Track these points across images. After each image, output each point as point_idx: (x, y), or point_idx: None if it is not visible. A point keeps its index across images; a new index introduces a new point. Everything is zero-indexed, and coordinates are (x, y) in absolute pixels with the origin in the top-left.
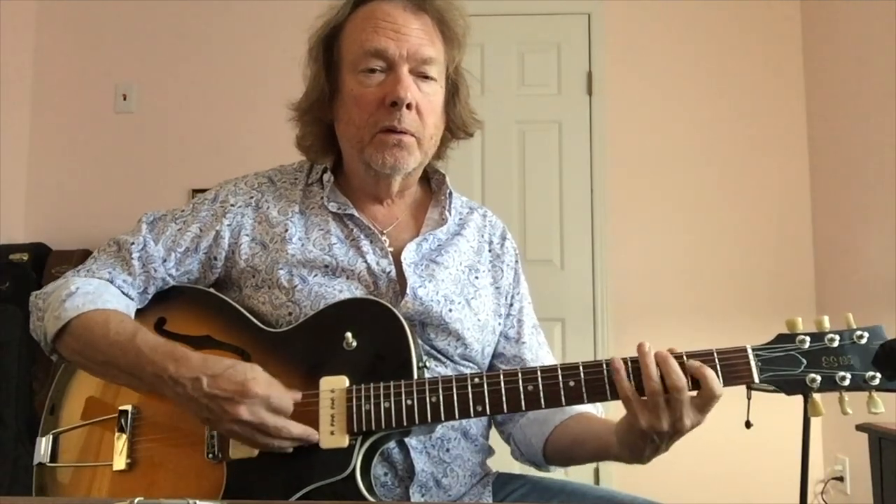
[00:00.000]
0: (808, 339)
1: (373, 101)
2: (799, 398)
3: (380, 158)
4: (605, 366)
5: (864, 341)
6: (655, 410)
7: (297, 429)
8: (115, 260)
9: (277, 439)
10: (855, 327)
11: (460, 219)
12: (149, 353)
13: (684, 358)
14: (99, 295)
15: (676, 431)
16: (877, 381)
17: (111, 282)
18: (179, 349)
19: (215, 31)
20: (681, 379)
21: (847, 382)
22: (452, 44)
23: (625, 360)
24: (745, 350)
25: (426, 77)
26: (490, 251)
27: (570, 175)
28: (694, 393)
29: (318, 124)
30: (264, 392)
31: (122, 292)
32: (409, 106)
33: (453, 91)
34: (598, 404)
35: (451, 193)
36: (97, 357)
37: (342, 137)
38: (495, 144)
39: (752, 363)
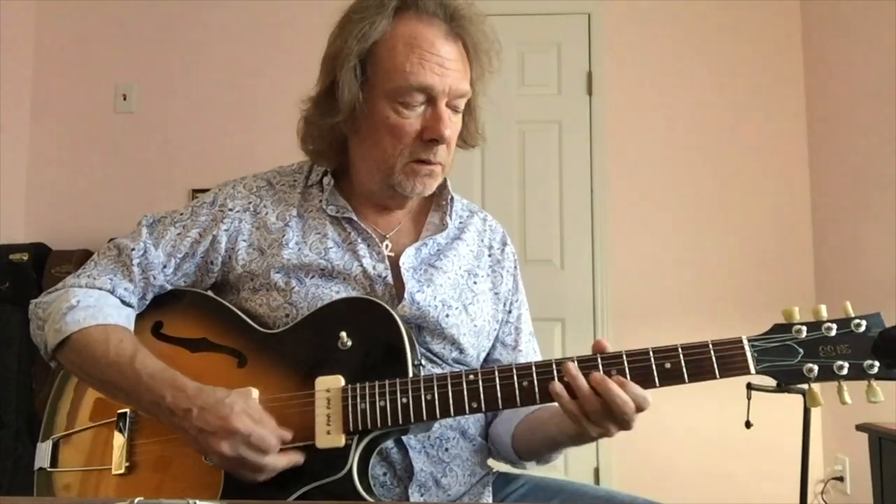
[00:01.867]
0: (804, 328)
1: (410, 132)
2: (798, 397)
3: (409, 185)
4: (599, 359)
5: (861, 330)
6: (602, 423)
7: (281, 462)
8: (115, 265)
9: (260, 474)
10: (853, 316)
11: (460, 222)
12: (147, 380)
13: (613, 372)
14: (99, 309)
15: (627, 427)
16: (875, 370)
17: (112, 291)
18: (179, 378)
19: (215, 31)
20: (627, 404)
21: (845, 372)
22: (482, 76)
23: (618, 358)
24: (740, 341)
25: (457, 110)
26: (490, 256)
27: (570, 175)
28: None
29: (332, 131)
30: (245, 429)
31: (123, 301)
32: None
33: (468, 112)
34: None
35: (452, 198)
36: (96, 374)
37: (361, 155)
38: (495, 144)
39: (748, 354)
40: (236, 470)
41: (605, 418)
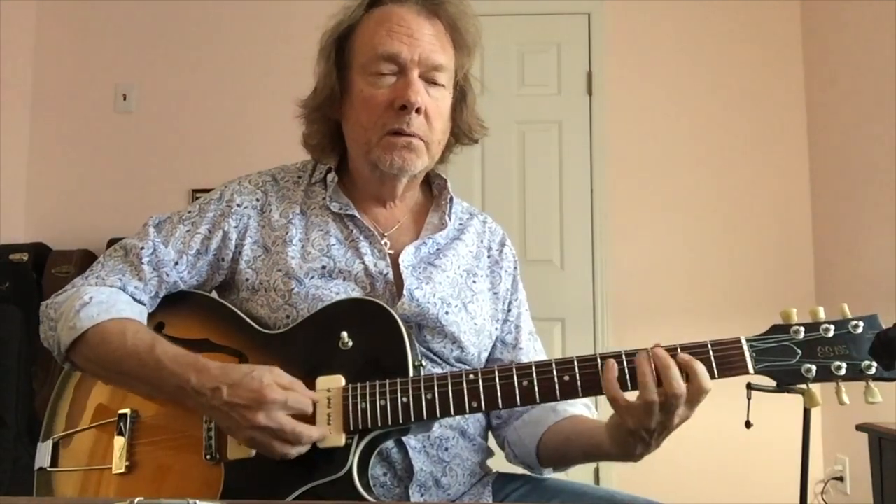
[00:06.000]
0: (802, 329)
1: (382, 103)
2: (798, 397)
3: (388, 159)
4: (598, 360)
5: (859, 331)
6: (649, 413)
7: (316, 432)
8: (123, 265)
9: (296, 445)
10: (850, 317)
11: (460, 224)
12: (170, 365)
13: (677, 351)
14: (113, 304)
15: (665, 429)
16: (873, 371)
17: (123, 289)
18: (200, 360)
19: (215, 31)
20: (681, 387)
21: (843, 372)
22: (463, 51)
23: (619, 358)
24: (739, 341)
25: (435, 83)
26: (489, 257)
27: (570, 175)
28: None
29: (326, 122)
30: (281, 397)
31: (135, 299)
32: (417, 110)
33: (461, 97)
34: (591, 406)
35: (451, 199)
36: (114, 367)
37: (349, 137)
38: (495, 144)
39: (747, 354)
40: (269, 445)
41: (654, 409)
